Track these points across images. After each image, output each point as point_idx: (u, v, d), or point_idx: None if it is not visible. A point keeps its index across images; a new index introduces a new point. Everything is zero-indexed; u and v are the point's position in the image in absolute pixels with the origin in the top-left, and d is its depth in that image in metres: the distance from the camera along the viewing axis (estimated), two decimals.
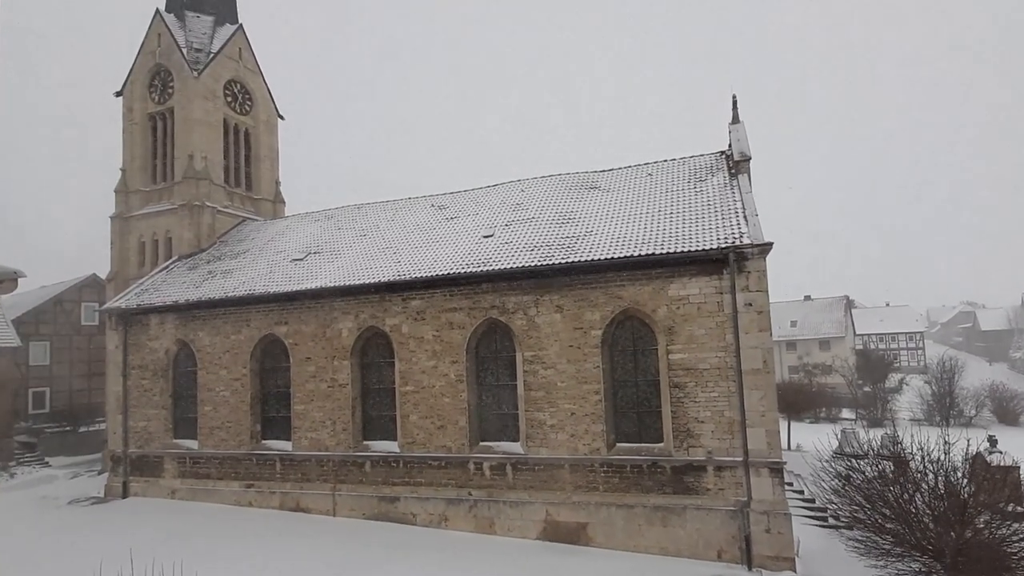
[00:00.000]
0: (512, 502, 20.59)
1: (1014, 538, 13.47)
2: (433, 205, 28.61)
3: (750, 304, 18.25)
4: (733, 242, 18.39)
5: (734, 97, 24.88)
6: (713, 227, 19.72)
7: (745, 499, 17.97)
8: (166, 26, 34.59)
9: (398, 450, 22.52)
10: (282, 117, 38.53)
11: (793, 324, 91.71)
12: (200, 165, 32.89)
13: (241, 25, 36.80)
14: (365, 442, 23.38)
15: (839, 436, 25.09)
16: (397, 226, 27.46)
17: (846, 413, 60.37)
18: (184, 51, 34.01)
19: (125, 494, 27.28)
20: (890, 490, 14.78)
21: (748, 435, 17.98)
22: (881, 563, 14.69)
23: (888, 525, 14.46)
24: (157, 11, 35.13)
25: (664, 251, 19.04)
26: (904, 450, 16.24)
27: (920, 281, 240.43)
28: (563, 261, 20.17)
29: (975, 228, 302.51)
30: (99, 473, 33.71)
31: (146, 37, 35.11)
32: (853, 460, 17.62)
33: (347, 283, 23.41)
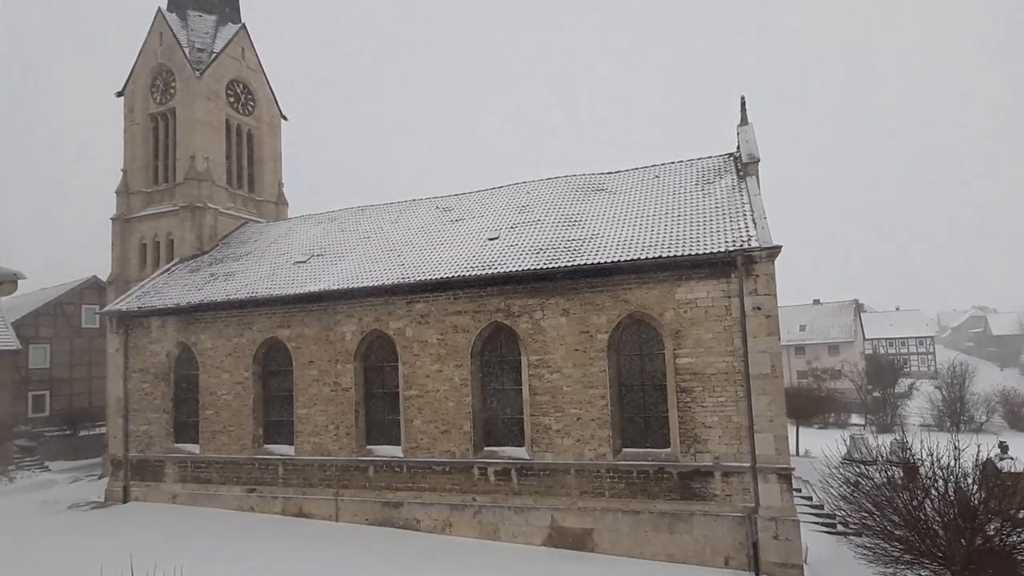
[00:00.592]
0: (517, 508, 20.65)
1: None
2: (437, 207, 28.71)
3: (758, 308, 18.30)
4: (741, 245, 18.46)
5: (742, 99, 24.91)
6: (721, 230, 19.79)
7: (753, 505, 18.02)
8: (168, 25, 34.73)
9: (402, 455, 22.60)
10: (285, 118, 38.69)
11: (802, 328, 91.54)
12: (202, 166, 33.01)
13: (244, 25, 36.95)
14: (368, 447, 23.48)
15: (848, 442, 25.15)
16: (401, 228, 27.56)
17: (855, 418, 60.32)
18: (186, 51, 34.13)
19: (126, 499, 27.40)
20: (899, 496, 14.79)
21: (756, 440, 18.03)
22: (890, 570, 14.70)
23: (897, 532, 14.48)
24: (159, 10, 35.25)
25: (671, 254, 19.11)
26: (914, 456, 16.26)
27: (931, 285, 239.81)
28: (569, 264, 20.25)
29: (986, 231, 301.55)
30: (99, 477, 33.81)
31: (148, 36, 35.27)
32: (862, 466, 17.65)
33: (350, 286, 23.53)
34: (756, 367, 18.19)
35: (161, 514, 25.06)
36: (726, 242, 18.91)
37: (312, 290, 24.20)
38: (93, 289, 47.31)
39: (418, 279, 22.36)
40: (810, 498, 24.53)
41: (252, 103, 36.97)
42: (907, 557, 14.32)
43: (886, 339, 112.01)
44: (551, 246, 21.81)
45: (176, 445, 26.95)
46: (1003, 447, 23.23)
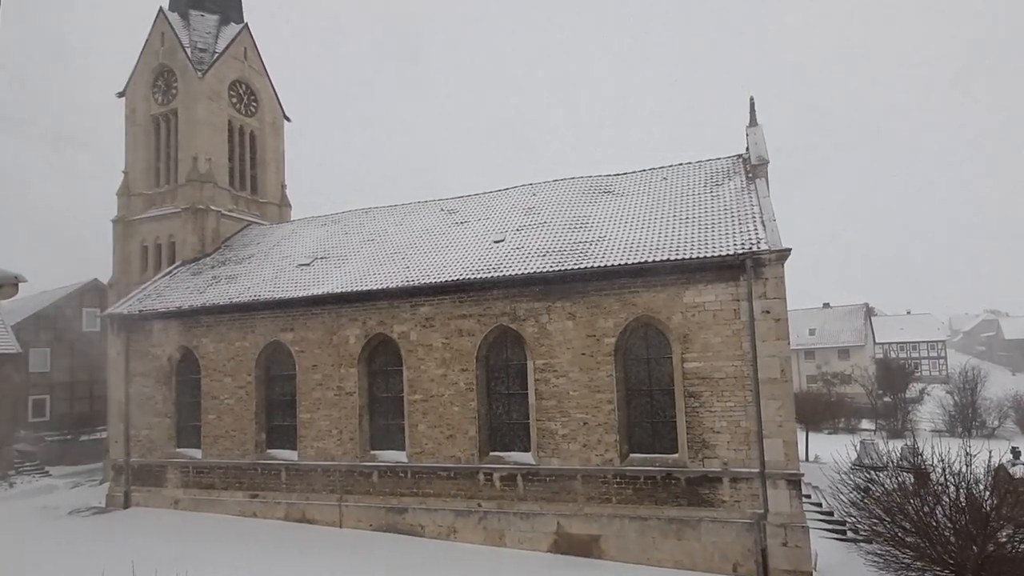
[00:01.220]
0: (523, 514, 20.72)
1: None
2: (442, 209, 28.82)
3: (767, 312, 18.35)
4: (750, 248, 18.53)
5: (751, 100, 24.99)
6: (730, 232, 19.87)
7: (762, 511, 18.07)
8: (169, 25, 34.87)
9: (406, 460, 22.68)
10: (288, 119, 38.82)
11: (811, 332, 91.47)
12: (204, 168, 33.14)
13: (247, 24, 37.09)
14: (372, 452, 23.57)
15: (858, 447, 25.19)
16: (405, 231, 27.67)
17: (865, 424, 60.19)
18: (188, 51, 34.28)
19: (127, 504, 27.51)
20: (910, 503, 14.85)
21: (765, 446, 18.08)
22: None
23: (908, 539, 14.52)
24: (160, 9, 35.39)
25: (679, 257, 19.20)
26: (925, 462, 16.31)
27: (942, 288, 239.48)
28: (576, 267, 20.33)
29: (998, 234, 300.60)
30: (100, 483, 33.86)
31: (149, 36, 35.41)
32: (872, 472, 17.70)
33: (354, 289, 23.66)
34: (765, 371, 18.24)
35: (162, 520, 25.18)
36: (735, 245, 18.98)
37: (316, 293, 24.31)
38: (94, 292, 47.46)
39: (423, 282, 22.47)
40: (820, 504, 24.53)
41: (255, 104, 37.11)
42: (918, 564, 14.37)
43: (897, 343, 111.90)
44: (557, 249, 21.89)
45: (178, 450, 27.07)
46: (1015, 453, 23.32)
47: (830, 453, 24.47)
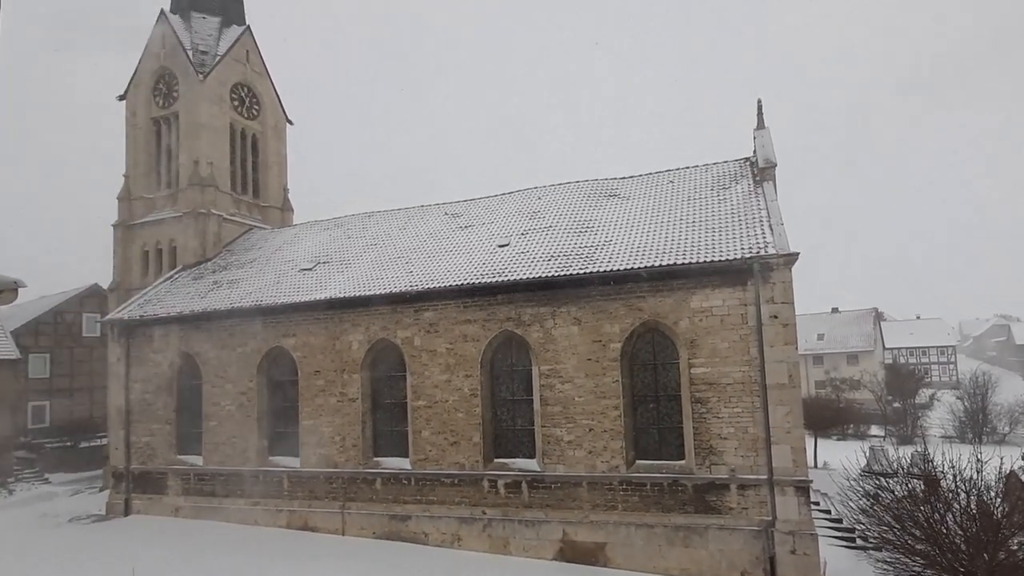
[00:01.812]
0: (528, 521, 20.74)
1: None
2: (446, 213, 28.88)
3: (775, 316, 18.38)
4: (758, 252, 18.56)
5: (759, 102, 24.98)
6: (737, 236, 19.91)
7: (770, 519, 18.08)
8: (171, 27, 35.01)
9: (410, 467, 22.72)
10: (291, 122, 38.97)
11: (820, 337, 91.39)
12: (206, 171, 33.25)
13: (249, 26, 37.24)
14: (376, 458, 23.61)
15: (867, 454, 25.16)
16: (409, 235, 27.75)
17: (875, 430, 60.07)
18: (189, 53, 34.41)
19: (127, 512, 27.57)
20: (920, 510, 14.86)
21: (773, 452, 18.10)
22: None
23: (918, 546, 14.55)
24: (162, 11, 35.56)
25: (686, 261, 19.25)
26: (935, 469, 16.33)
27: (952, 293, 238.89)
28: (581, 272, 20.39)
29: (1001, 235, 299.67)
30: (100, 490, 33.96)
31: (150, 39, 35.56)
32: (882, 479, 17.72)
33: (357, 294, 23.72)
34: (773, 377, 18.26)
35: (163, 528, 25.24)
36: (742, 249, 19.01)
37: (318, 298, 24.37)
38: (94, 297, 47.68)
39: (427, 287, 22.53)
40: (828, 511, 24.52)
41: (257, 107, 37.24)
42: (928, 572, 14.41)
43: (906, 348, 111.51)
44: (563, 253, 21.94)
45: (179, 457, 27.12)
46: None
47: (839, 459, 24.41)
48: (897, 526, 15.13)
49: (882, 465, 21.90)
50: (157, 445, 27.41)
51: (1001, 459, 15.77)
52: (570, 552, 20.10)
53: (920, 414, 60.67)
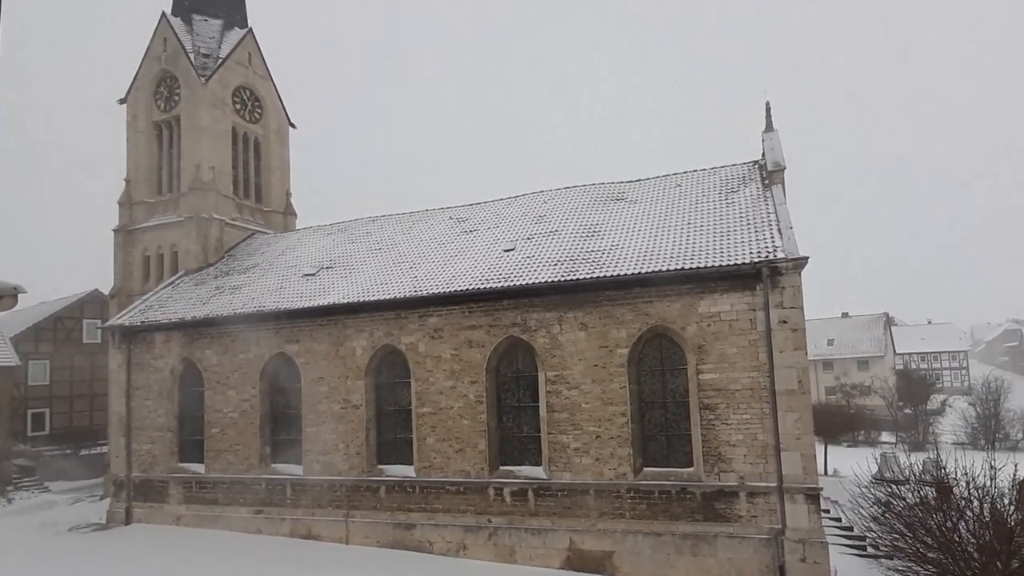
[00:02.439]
0: (534, 529, 20.76)
1: None
2: (451, 217, 28.94)
3: (784, 321, 18.41)
4: (767, 256, 18.60)
5: (767, 105, 25.02)
6: (745, 240, 19.94)
7: (779, 527, 18.08)
8: (172, 30, 35.14)
9: (414, 474, 22.75)
10: (293, 125, 39.08)
11: (830, 342, 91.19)
12: (207, 176, 33.34)
13: (251, 29, 37.38)
14: (380, 466, 23.63)
15: (878, 461, 25.09)
16: (413, 239, 27.80)
17: (886, 436, 60.02)
18: (191, 56, 34.54)
19: (128, 520, 27.58)
20: (932, 518, 14.87)
21: (782, 459, 18.10)
22: None
23: (930, 555, 14.55)
24: (163, 14, 35.70)
25: (694, 266, 19.27)
26: (947, 476, 16.32)
27: (964, 297, 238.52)
28: (588, 276, 20.43)
29: (1002, 236, 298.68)
30: (101, 498, 33.99)
31: (151, 42, 35.66)
32: (893, 486, 17.71)
33: (361, 299, 23.78)
34: (782, 383, 18.27)
35: (165, 536, 25.28)
36: (751, 253, 19.05)
37: (321, 304, 24.44)
38: (95, 303, 47.74)
39: (431, 292, 22.58)
40: (839, 519, 24.50)
41: (259, 110, 37.36)
42: None
43: (918, 354, 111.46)
44: (569, 258, 21.99)
45: (180, 465, 27.17)
46: None
47: (849, 467, 24.36)
48: (909, 534, 15.14)
49: (893, 472, 21.91)
50: (158, 453, 27.46)
51: (1015, 466, 15.80)
52: (577, 561, 20.10)
53: (932, 420, 60.57)
